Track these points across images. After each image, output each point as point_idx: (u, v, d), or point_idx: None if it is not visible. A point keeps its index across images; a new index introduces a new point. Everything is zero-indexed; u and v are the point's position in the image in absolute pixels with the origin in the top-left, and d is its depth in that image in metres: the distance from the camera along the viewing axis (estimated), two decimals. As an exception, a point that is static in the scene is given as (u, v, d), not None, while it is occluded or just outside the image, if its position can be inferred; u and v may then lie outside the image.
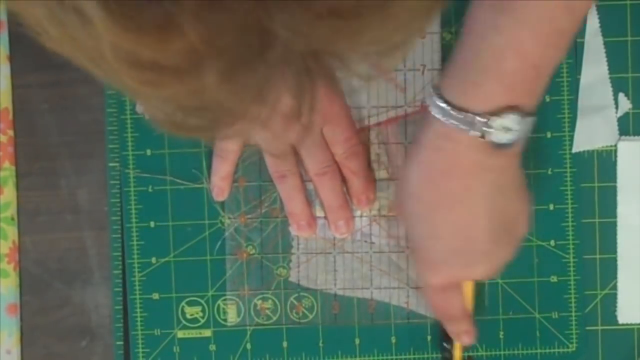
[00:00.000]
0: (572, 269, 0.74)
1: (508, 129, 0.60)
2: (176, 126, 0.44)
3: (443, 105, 0.61)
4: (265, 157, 0.72)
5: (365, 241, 0.74)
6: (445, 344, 0.73)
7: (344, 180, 0.73)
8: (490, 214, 0.64)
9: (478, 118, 0.60)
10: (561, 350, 0.74)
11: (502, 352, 0.74)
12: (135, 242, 0.74)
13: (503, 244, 0.66)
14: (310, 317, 0.75)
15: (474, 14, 0.61)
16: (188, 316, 0.75)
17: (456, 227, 0.65)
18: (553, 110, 0.74)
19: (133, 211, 0.74)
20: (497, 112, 0.60)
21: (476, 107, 0.60)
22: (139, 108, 0.74)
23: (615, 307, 0.75)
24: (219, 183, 0.74)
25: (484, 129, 0.60)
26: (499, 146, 0.61)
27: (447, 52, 0.74)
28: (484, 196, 0.64)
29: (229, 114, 0.42)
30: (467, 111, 0.60)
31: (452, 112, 0.60)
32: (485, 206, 0.64)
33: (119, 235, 0.75)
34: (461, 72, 0.61)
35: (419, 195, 0.65)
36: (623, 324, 0.75)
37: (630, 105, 0.74)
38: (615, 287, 0.75)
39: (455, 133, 0.61)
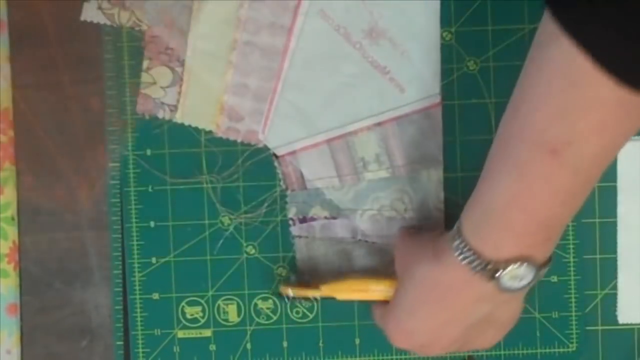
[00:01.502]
0: (572, 268, 0.74)
1: (519, 278, 0.60)
2: None
3: (461, 245, 0.61)
4: None
5: (366, 241, 0.74)
6: None
7: None
8: (466, 334, 0.65)
9: (489, 265, 0.60)
10: (561, 350, 0.74)
11: (502, 352, 0.74)
12: (135, 242, 0.74)
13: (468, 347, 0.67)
14: (310, 317, 0.75)
15: (491, 155, 0.60)
16: (188, 316, 0.75)
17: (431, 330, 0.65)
18: (553, 110, 0.74)
19: (133, 211, 0.74)
20: (509, 261, 0.60)
21: (489, 254, 0.60)
22: (139, 108, 0.74)
23: (615, 307, 0.75)
24: None
25: (495, 275, 0.60)
26: (508, 290, 0.61)
27: (447, 52, 0.74)
28: (472, 324, 0.64)
29: None
30: (480, 255, 0.60)
31: (466, 252, 0.60)
32: (466, 328, 0.64)
33: (119, 235, 0.75)
34: (477, 215, 0.60)
35: (415, 310, 0.64)
36: (623, 324, 0.75)
37: (630, 105, 0.74)
38: (615, 287, 0.75)
39: (468, 272, 0.61)
